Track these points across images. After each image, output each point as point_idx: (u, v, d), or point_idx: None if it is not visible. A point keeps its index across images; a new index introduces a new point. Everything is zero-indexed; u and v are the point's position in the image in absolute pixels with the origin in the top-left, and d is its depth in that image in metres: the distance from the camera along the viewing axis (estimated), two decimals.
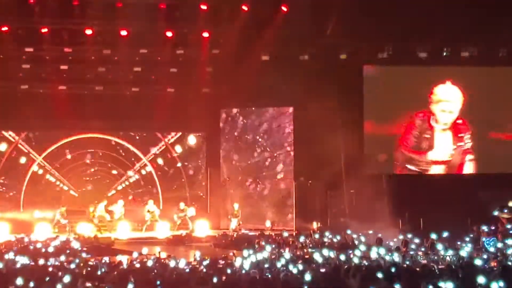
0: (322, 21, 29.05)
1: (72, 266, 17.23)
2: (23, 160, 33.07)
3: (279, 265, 17.34)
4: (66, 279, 14.07)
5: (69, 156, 33.53)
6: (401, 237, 23.30)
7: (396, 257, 18.59)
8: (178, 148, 34.65)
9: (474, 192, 29.57)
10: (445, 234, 23.23)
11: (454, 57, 30.84)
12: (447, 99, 31.17)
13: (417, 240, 22.99)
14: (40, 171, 33.40)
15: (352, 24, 28.82)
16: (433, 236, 23.06)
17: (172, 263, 17.37)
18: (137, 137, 34.48)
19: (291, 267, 16.20)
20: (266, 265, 17.36)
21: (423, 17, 28.27)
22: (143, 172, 34.55)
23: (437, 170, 31.48)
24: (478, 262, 17.18)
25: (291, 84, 29.37)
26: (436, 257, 19.42)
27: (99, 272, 15.92)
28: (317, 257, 18.92)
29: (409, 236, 23.50)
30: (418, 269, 16.18)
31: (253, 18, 29.74)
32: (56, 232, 30.14)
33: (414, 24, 28.63)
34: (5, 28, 29.26)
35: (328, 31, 29.61)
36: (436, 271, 15.64)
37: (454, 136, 31.23)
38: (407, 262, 17.79)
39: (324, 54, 30.02)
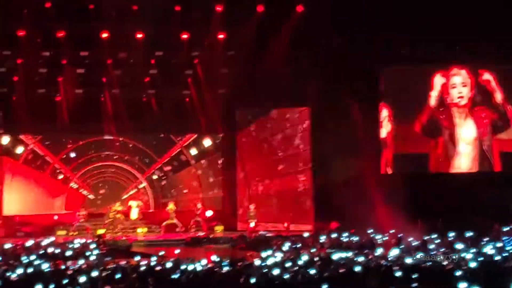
0: (339, 18, 28.89)
1: (91, 269, 17.23)
2: (39, 162, 33.20)
3: (297, 266, 17.29)
4: (85, 282, 14.07)
5: (85, 159, 33.64)
6: (420, 237, 23.18)
7: (416, 258, 18.48)
8: (194, 151, 34.69)
9: (495, 191, 29.31)
10: (466, 234, 23.13)
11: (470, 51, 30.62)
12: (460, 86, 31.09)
13: (437, 240, 22.88)
14: (57, 174, 33.52)
15: (368, 21, 28.72)
16: (453, 236, 23.01)
17: (190, 265, 17.36)
18: (153, 139, 34.58)
19: (309, 267, 16.14)
20: (284, 266, 17.31)
21: (439, 12, 28.21)
22: (160, 174, 34.63)
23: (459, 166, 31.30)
24: (498, 261, 17.10)
25: (308, 84, 29.36)
26: (456, 258, 19.29)
27: (118, 275, 15.91)
28: (336, 257, 18.86)
29: (429, 236, 23.41)
30: (437, 269, 16.11)
31: (268, 19, 29.74)
32: (75, 235, 30.21)
33: (430, 19, 28.56)
34: (22, 33, 29.38)
35: (345, 29, 29.45)
36: (456, 271, 15.53)
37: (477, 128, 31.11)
38: (427, 263, 17.67)
39: (340, 52, 29.86)
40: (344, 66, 29.35)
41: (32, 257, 20.19)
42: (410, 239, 23.18)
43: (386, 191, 28.43)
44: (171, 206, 31.84)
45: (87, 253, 22.29)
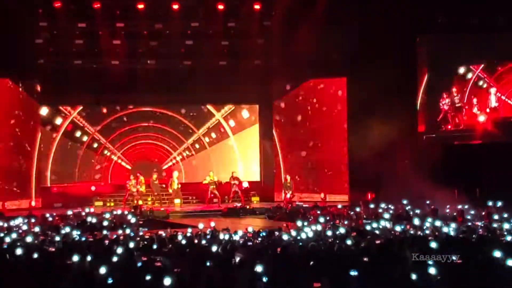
0: None
1: (128, 240, 17.35)
2: (78, 134, 33.44)
3: (333, 236, 17.30)
4: (123, 253, 14.17)
5: (123, 131, 33.82)
6: (457, 207, 23.07)
7: (452, 228, 18.40)
8: (231, 122, 34.74)
9: None
10: (503, 204, 22.96)
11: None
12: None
13: (473, 211, 22.76)
14: (95, 145, 33.75)
15: None
16: (490, 205, 22.85)
17: (227, 236, 17.43)
18: (191, 110, 34.66)
19: (345, 238, 16.12)
20: (321, 237, 17.33)
21: None
22: (197, 145, 34.74)
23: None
24: None
25: (344, 54, 29.18)
26: (493, 228, 19.14)
27: (154, 246, 16.01)
28: (372, 228, 18.84)
29: (465, 206, 23.28)
30: (474, 239, 16.03)
31: None
32: (112, 206, 30.45)
33: None
34: (58, 4, 29.50)
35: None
36: (493, 241, 15.44)
37: None
38: (463, 233, 17.58)
39: (377, 22, 29.56)
40: (380, 35, 29.06)
41: (70, 228, 20.37)
42: (447, 209, 23.09)
43: (422, 161, 28.29)
44: (208, 177, 31.66)
45: (124, 224, 22.45)
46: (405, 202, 24.95)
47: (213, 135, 34.83)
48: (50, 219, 24.04)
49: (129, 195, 30.54)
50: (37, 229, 20.87)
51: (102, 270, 12.04)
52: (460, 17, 30.00)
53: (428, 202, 24.52)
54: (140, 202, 29.68)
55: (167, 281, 11.19)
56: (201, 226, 19.92)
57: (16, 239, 17.50)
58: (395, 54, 28.83)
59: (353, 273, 11.62)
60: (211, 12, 30.80)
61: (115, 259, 13.54)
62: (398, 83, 29.12)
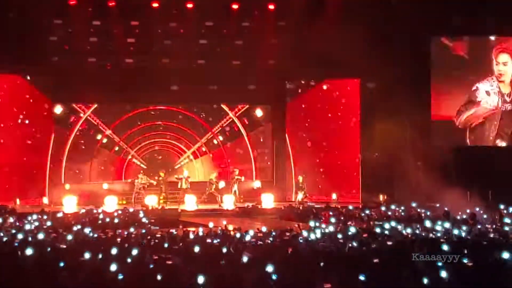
0: None
1: (140, 238, 17.39)
2: (91, 132, 33.52)
3: (344, 237, 17.29)
4: (134, 251, 14.21)
5: (136, 129, 33.88)
6: (468, 210, 23.01)
7: (464, 231, 18.36)
8: (245, 121, 34.75)
9: None
10: None
11: None
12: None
13: (485, 213, 22.70)
14: (109, 143, 33.82)
15: None
16: (502, 208, 22.80)
17: (238, 235, 17.44)
18: (204, 110, 34.68)
19: (356, 239, 16.12)
20: (332, 238, 17.32)
21: None
22: (210, 144, 34.78)
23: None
24: None
25: (358, 55, 29.12)
26: (505, 231, 19.09)
27: (166, 245, 16.04)
28: (383, 230, 18.82)
29: (477, 209, 23.22)
30: (485, 242, 15.99)
31: None
32: (124, 204, 30.50)
33: None
34: (73, 2, 29.56)
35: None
36: (505, 244, 15.41)
37: None
38: (475, 236, 17.54)
39: (391, 23, 29.50)
40: (394, 36, 29.02)
41: (81, 226, 20.42)
42: (458, 211, 23.05)
43: (434, 163, 28.24)
44: (213, 176, 31.71)
45: (136, 223, 22.50)
46: (414, 204, 24.90)
47: (226, 133, 34.84)
48: (62, 216, 24.12)
49: (136, 192, 30.73)
50: (49, 224, 20.99)
51: (113, 267, 12.09)
52: (475, 19, 29.90)
53: (439, 204, 24.47)
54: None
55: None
56: (211, 225, 19.96)
57: (27, 236, 17.55)
58: (409, 56, 28.80)
59: (362, 277, 11.63)
60: (225, 12, 30.77)
61: (126, 257, 13.58)
62: (411, 84, 29.05)
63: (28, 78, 31.01)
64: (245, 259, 13.44)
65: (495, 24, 29.93)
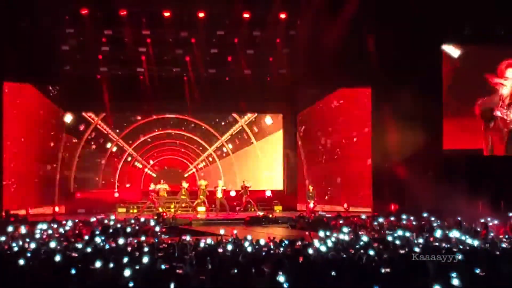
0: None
1: (151, 247, 17.37)
2: (101, 140, 33.60)
3: (356, 246, 17.22)
4: (145, 259, 14.19)
5: (147, 138, 33.94)
6: (481, 220, 22.91)
7: (475, 241, 18.28)
8: (255, 129, 34.77)
9: None
10: None
11: None
12: None
13: (497, 223, 22.60)
14: (119, 152, 33.89)
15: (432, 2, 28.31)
16: None
17: (249, 244, 17.40)
18: (215, 118, 34.73)
19: (368, 249, 16.06)
20: (343, 247, 17.26)
21: None
22: (220, 153, 34.82)
23: None
24: None
25: (369, 64, 29.09)
26: None
27: (176, 254, 16.01)
28: (395, 239, 18.74)
29: (489, 218, 23.12)
30: (498, 252, 15.92)
31: None
32: (135, 213, 30.51)
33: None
34: (85, 11, 29.62)
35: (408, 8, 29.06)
36: None
37: None
38: (487, 246, 17.46)
39: (402, 32, 29.40)
40: (405, 45, 28.93)
41: (92, 234, 20.41)
42: (470, 221, 22.94)
43: (446, 172, 28.15)
44: (221, 185, 31.65)
45: (147, 231, 22.50)
46: (425, 215, 24.80)
47: (236, 141, 34.86)
48: (73, 225, 24.14)
49: (151, 201, 30.78)
50: (61, 231, 21.01)
51: (125, 274, 12.07)
52: (486, 28, 29.79)
53: (452, 214, 24.37)
54: (161, 210, 29.71)
55: None
56: (222, 231, 19.95)
57: (39, 244, 17.55)
58: (420, 65, 28.71)
59: None
60: (236, 21, 30.77)
61: (137, 265, 13.56)
62: (422, 93, 28.93)
63: (38, 88, 31.07)
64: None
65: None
